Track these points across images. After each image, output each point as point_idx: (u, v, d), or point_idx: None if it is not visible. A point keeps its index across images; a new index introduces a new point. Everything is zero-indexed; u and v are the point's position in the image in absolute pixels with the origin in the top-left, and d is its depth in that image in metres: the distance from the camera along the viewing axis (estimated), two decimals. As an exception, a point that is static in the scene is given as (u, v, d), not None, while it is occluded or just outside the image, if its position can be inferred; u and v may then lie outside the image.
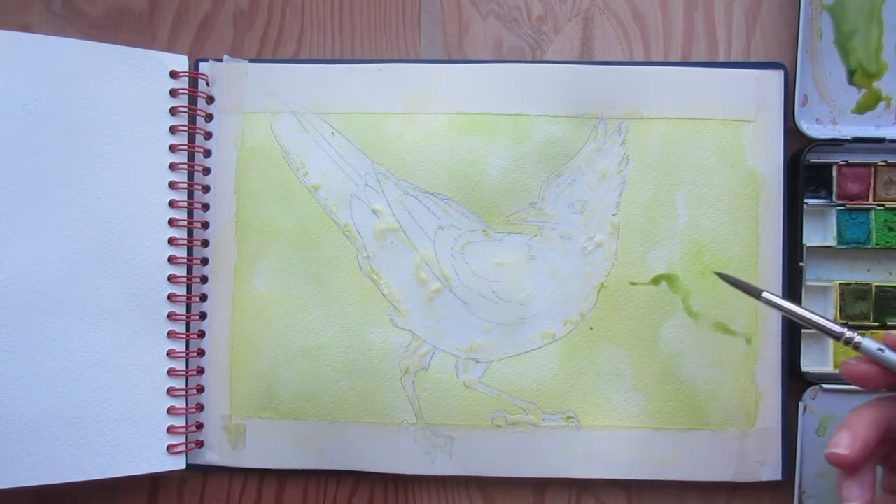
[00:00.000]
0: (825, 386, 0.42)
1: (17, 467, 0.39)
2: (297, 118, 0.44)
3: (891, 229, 0.42)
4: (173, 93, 0.43)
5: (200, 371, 0.43)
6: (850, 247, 0.42)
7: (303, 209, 0.43)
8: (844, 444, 0.31)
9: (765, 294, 0.36)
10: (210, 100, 0.44)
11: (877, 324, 0.42)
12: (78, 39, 0.42)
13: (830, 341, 0.42)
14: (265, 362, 0.43)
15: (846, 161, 0.42)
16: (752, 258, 0.42)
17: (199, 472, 0.44)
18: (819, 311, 0.43)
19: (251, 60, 0.44)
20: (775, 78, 0.43)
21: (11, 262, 0.40)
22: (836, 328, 0.34)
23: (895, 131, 0.43)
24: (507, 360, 0.42)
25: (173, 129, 0.43)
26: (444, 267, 0.43)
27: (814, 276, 0.43)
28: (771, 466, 0.42)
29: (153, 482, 0.44)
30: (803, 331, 0.42)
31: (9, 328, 0.39)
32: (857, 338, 0.33)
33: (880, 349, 0.33)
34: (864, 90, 0.43)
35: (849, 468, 0.32)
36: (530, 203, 0.43)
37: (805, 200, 0.42)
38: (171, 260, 0.43)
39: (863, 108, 0.43)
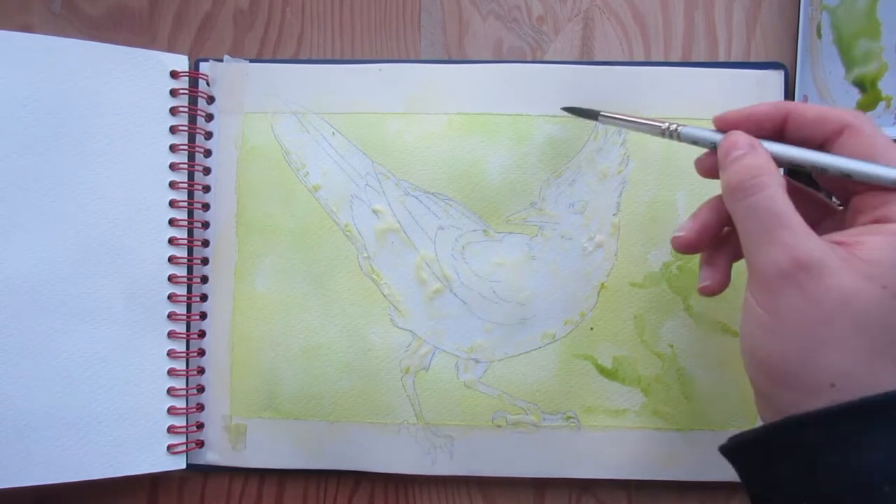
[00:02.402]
0: (825, 386, 0.42)
1: (17, 467, 0.39)
2: (297, 118, 0.44)
3: (891, 229, 0.42)
4: (173, 93, 0.43)
5: (201, 371, 0.43)
6: (850, 247, 0.42)
7: (303, 209, 0.43)
8: (684, 227, 0.35)
9: (602, 113, 0.39)
10: (210, 100, 0.44)
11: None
12: (78, 39, 0.42)
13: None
14: (266, 362, 0.43)
15: (846, 161, 0.42)
16: (753, 258, 0.42)
17: (199, 472, 0.44)
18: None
19: (251, 60, 0.44)
20: (775, 78, 0.43)
21: (11, 262, 0.40)
22: (659, 124, 0.36)
23: (895, 131, 0.43)
24: (507, 360, 0.43)
25: (173, 129, 0.43)
26: (445, 267, 0.43)
27: (814, 276, 0.43)
28: (771, 466, 0.42)
29: (153, 482, 0.44)
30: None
31: (9, 328, 0.39)
32: (679, 127, 0.35)
33: (691, 134, 0.34)
34: (864, 90, 0.43)
35: (686, 248, 0.35)
36: (531, 203, 0.43)
37: (805, 200, 0.42)
38: (171, 260, 0.43)
39: (863, 108, 0.43)
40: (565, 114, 0.43)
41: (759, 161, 0.30)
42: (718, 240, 0.36)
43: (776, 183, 0.30)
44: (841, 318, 0.27)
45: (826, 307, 0.27)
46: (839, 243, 0.29)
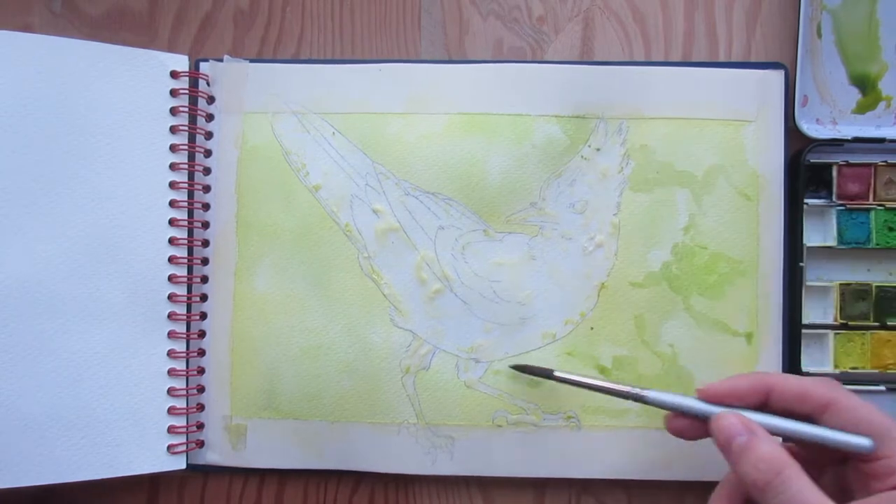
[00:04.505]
0: (825, 386, 0.42)
1: (17, 467, 0.39)
2: (297, 118, 0.44)
3: (891, 229, 0.42)
4: (174, 93, 0.43)
5: (201, 371, 0.43)
6: (851, 247, 0.42)
7: (303, 209, 0.43)
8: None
9: (556, 373, 0.39)
10: (210, 100, 0.44)
11: (877, 324, 0.42)
12: (78, 39, 0.42)
13: (831, 341, 0.42)
14: (266, 362, 0.43)
15: (846, 161, 0.42)
16: (753, 258, 0.42)
17: (199, 472, 0.44)
18: (819, 311, 0.43)
19: (251, 60, 0.44)
20: (776, 78, 0.43)
21: (11, 262, 0.40)
22: (623, 388, 0.36)
23: (895, 131, 0.43)
24: (507, 359, 0.42)
25: (174, 129, 0.43)
26: (445, 267, 0.43)
27: (814, 276, 0.43)
28: (771, 466, 0.42)
29: (153, 482, 0.44)
30: (804, 331, 0.42)
31: (9, 328, 0.39)
32: (643, 393, 0.35)
33: (663, 401, 0.35)
34: (864, 90, 0.43)
35: None
36: (531, 203, 0.43)
37: (805, 200, 0.42)
38: (171, 260, 0.42)
39: (863, 108, 0.43)
40: (565, 114, 0.43)
41: (776, 453, 0.31)
42: None
43: (798, 473, 0.30)
44: None
45: None
46: None
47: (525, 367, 0.41)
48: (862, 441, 0.31)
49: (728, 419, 0.33)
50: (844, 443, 0.31)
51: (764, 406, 0.34)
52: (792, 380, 0.33)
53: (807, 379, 0.33)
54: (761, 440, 0.32)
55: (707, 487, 0.42)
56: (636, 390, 0.36)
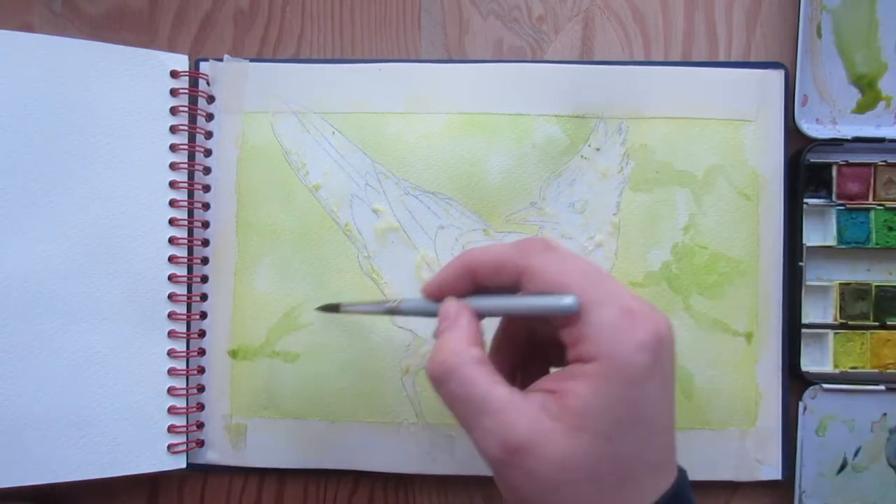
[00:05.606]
0: (825, 386, 0.42)
1: (16, 467, 0.39)
2: (297, 118, 0.44)
3: (891, 229, 0.42)
4: (174, 92, 0.43)
5: (201, 370, 0.43)
6: (850, 246, 0.42)
7: (303, 209, 0.43)
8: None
9: (342, 306, 0.39)
10: (210, 99, 0.44)
11: (876, 323, 0.42)
12: (78, 39, 0.42)
13: (831, 341, 0.42)
14: (266, 362, 0.43)
15: (846, 161, 0.42)
16: (753, 258, 0.42)
17: (199, 472, 0.44)
18: (819, 310, 0.43)
19: (251, 60, 0.44)
20: (775, 78, 0.43)
21: (11, 262, 0.40)
22: (384, 306, 0.34)
23: (895, 131, 0.43)
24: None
25: (174, 129, 0.43)
26: (445, 266, 0.43)
27: (814, 275, 0.43)
28: (771, 466, 0.42)
29: (153, 481, 0.44)
30: (804, 330, 0.42)
31: (9, 328, 0.39)
32: (400, 305, 0.34)
33: (412, 308, 0.33)
34: (864, 90, 0.43)
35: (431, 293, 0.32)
36: (531, 203, 0.43)
37: (805, 200, 0.42)
38: (171, 259, 0.43)
39: (863, 108, 0.43)
40: (565, 113, 0.43)
41: (453, 341, 0.29)
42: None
43: (469, 361, 0.28)
44: (565, 483, 0.26)
45: (549, 478, 0.26)
46: (551, 391, 0.27)
47: (324, 306, 0.41)
48: (564, 301, 0.27)
49: (445, 306, 0.31)
50: (544, 307, 0.28)
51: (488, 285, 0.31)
52: (489, 253, 0.30)
53: (504, 247, 0.30)
54: (452, 327, 0.29)
55: (707, 487, 0.43)
56: (394, 303, 0.34)
